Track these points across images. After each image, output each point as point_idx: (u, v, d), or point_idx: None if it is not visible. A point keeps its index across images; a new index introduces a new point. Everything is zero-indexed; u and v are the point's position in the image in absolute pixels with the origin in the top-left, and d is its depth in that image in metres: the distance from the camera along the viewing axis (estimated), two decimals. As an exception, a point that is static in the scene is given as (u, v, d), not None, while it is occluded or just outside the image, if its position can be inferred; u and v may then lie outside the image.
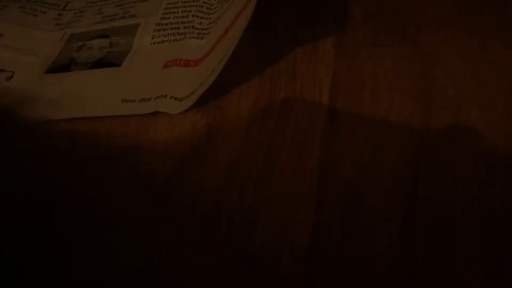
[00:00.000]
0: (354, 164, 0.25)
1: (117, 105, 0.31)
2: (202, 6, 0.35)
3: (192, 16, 0.35)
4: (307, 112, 0.28)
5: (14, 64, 0.34)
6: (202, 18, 0.35)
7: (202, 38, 0.33)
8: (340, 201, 0.24)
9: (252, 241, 0.22)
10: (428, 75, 0.29)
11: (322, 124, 0.27)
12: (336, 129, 0.27)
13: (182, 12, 0.35)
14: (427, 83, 0.29)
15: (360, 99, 0.28)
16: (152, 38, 0.34)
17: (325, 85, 0.29)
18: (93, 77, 0.33)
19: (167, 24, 0.35)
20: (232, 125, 0.28)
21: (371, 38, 0.31)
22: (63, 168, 0.25)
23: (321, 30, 0.32)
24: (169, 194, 0.25)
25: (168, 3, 0.36)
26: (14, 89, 0.32)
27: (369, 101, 0.28)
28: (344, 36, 0.32)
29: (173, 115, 0.30)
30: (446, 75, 0.29)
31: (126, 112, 0.30)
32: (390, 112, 0.28)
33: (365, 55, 0.31)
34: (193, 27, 0.34)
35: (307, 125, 0.27)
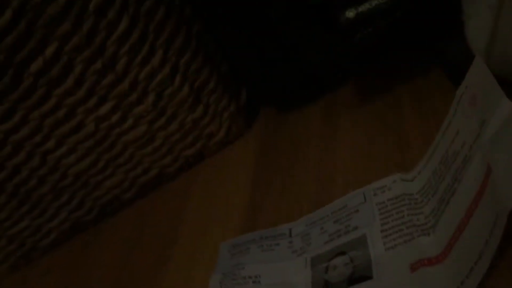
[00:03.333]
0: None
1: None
2: (410, 204, 0.41)
3: (408, 215, 0.40)
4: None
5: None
6: (415, 214, 0.40)
7: (429, 234, 0.38)
8: None
9: None
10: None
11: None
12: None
13: (396, 213, 0.41)
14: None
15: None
16: (385, 244, 0.39)
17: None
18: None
19: (389, 228, 0.40)
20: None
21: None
22: None
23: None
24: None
25: (379, 209, 0.42)
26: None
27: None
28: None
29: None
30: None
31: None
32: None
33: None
34: (414, 225, 0.39)
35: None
